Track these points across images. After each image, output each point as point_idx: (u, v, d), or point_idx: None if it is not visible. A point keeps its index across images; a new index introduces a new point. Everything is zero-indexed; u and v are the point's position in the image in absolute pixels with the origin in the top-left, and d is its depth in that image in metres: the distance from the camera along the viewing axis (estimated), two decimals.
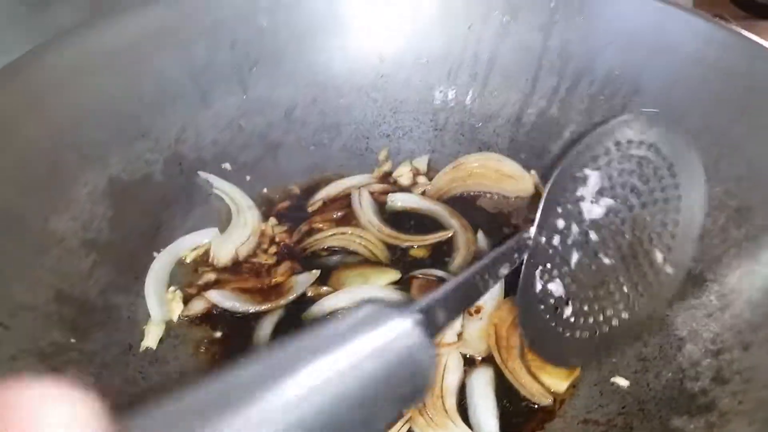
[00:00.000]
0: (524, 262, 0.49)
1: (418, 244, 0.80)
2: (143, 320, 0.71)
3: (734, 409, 0.56)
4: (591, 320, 0.56)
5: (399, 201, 0.86)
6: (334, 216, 0.85)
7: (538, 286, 0.52)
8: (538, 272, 0.51)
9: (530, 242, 0.49)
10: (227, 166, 0.87)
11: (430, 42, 0.92)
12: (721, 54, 0.74)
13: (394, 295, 0.73)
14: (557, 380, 0.65)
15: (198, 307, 0.73)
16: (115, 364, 0.65)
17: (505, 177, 0.86)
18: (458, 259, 0.79)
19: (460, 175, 0.86)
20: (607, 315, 0.57)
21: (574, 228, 0.53)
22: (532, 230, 0.50)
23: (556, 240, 0.52)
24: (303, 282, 0.75)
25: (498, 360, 0.67)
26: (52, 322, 0.64)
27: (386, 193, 0.87)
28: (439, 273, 0.77)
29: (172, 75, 0.83)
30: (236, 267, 0.78)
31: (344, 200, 0.86)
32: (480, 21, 0.90)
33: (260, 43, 0.89)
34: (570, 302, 0.54)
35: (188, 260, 0.78)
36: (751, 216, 0.68)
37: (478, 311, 0.71)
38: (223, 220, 0.83)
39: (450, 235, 0.81)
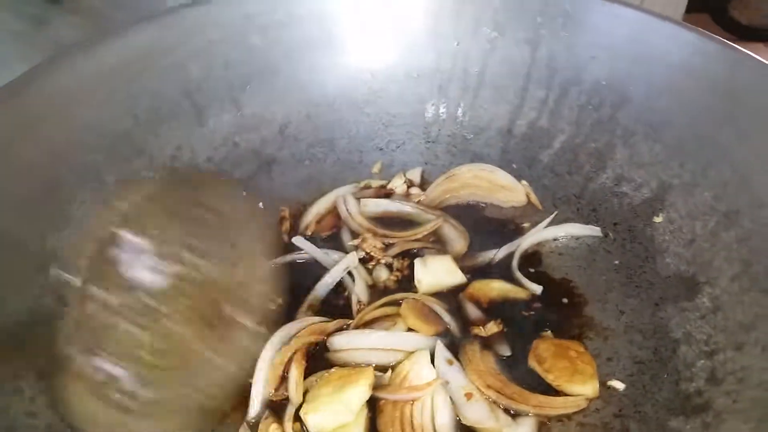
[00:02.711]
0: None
1: (409, 238, 0.82)
2: None
3: (729, 408, 0.57)
4: (172, 392, 0.52)
5: (370, 205, 0.86)
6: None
7: (101, 374, 0.48)
8: (97, 360, 0.48)
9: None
10: None
11: (420, 57, 0.94)
12: (706, 63, 0.76)
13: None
14: (584, 386, 0.65)
15: None
16: None
17: (497, 187, 0.87)
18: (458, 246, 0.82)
19: (454, 186, 0.87)
20: (195, 384, 0.54)
21: (134, 305, 0.49)
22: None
23: (112, 321, 0.48)
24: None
25: (535, 410, 0.63)
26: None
27: (374, 196, 0.88)
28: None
29: (167, 94, 0.85)
30: None
31: (334, 214, 0.88)
32: (468, 37, 0.92)
33: (253, 62, 0.90)
34: (143, 385, 0.50)
35: None
36: (739, 219, 0.69)
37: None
38: None
39: (438, 224, 0.83)
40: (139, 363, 0.50)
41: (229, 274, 0.56)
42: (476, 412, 0.63)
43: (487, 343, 0.70)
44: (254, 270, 0.61)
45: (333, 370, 0.66)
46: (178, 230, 0.51)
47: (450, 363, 0.67)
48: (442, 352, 0.68)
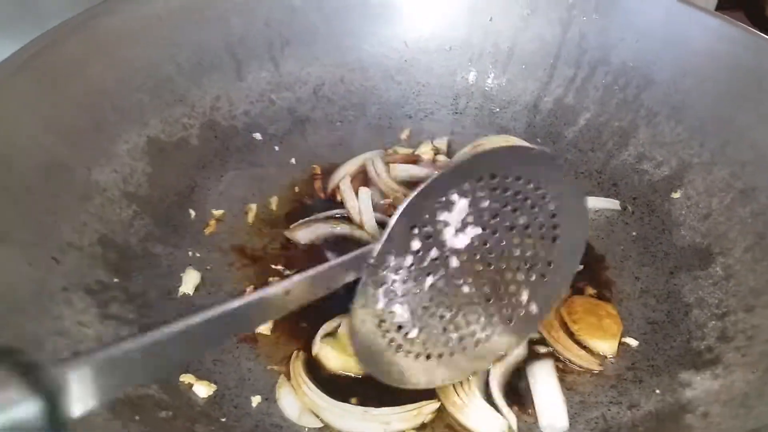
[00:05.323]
0: (363, 279, 0.48)
1: None
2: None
3: (738, 361, 0.61)
4: (438, 346, 0.55)
5: (399, 170, 0.89)
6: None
7: (380, 305, 0.50)
8: (381, 291, 0.50)
9: (372, 260, 0.47)
10: (258, 136, 0.91)
11: (453, 30, 0.97)
12: (730, 48, 0.80)
13: None
14: (603, 342, 0.68)
15: None
16: (156, 306, 0.69)
17: None
18: None
19: None
20: (458, 343, 0.56)
21: (433, 252, 0.50)
22: (377, 247, 0.47)
23: (408, 261, 0.49)
24: None
25: (551, 340, 0.68)
26: (97, 262, 0.68)
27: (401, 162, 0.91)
28: None
29: (210, 46, 0.88)
30: None
31: (362, 176, 0.91)
32: (502, 13, 0.95)
33: (293, 23, 0.93)
34: (416, 325, 0.52)
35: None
36: (756, 196, 0.73)
37: None
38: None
39: None
40: (416, 305, 0.52)
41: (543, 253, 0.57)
42: None
43: None
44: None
45: None
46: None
47: None
48: None
